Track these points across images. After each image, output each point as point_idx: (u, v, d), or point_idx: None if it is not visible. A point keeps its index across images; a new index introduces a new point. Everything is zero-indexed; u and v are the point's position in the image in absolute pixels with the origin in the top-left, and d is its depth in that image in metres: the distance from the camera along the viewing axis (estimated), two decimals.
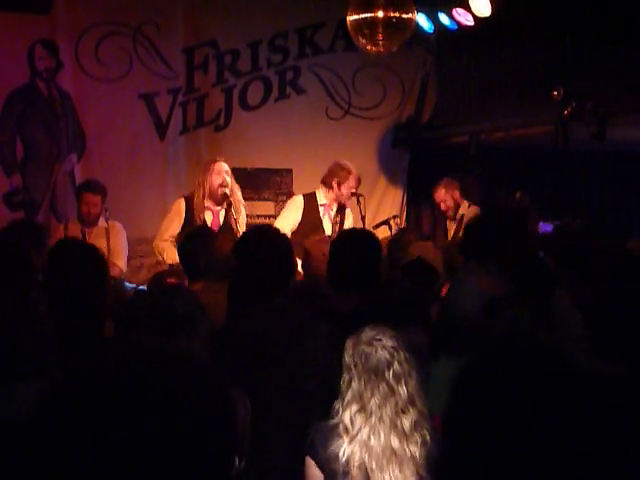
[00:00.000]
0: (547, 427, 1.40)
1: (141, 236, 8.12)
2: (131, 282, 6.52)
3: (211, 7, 8.63)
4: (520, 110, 8.10)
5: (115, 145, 8.36)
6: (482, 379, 1.50)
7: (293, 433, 3.10)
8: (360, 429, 2.77)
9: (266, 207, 8.93)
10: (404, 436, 2.77)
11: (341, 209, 7.29)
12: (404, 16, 6.92)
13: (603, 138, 7.12)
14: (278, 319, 3.68)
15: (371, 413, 2.77)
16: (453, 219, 8.10)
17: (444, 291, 4.91)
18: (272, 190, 8.99)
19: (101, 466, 1.25)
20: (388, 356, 2.80)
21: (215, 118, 8.77)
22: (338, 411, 2.82)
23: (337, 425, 2.83)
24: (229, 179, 6.80)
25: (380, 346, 2.81)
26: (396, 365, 2.80)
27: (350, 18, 6.99)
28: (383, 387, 2.78)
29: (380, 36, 6.92)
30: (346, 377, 2.83)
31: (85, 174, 8.10)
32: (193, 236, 5.18)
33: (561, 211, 8.95)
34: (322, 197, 7.30)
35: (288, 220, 7.14)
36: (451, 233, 8.09)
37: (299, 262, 5.69)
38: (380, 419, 2.77)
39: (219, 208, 6.85)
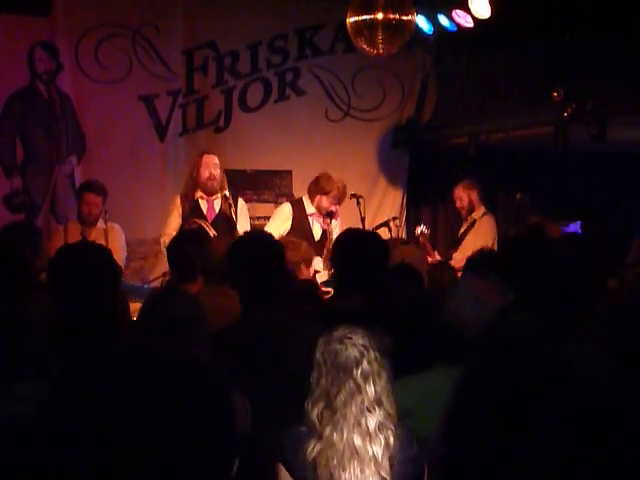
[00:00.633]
0: (547, 429, 1.40)
1: (140, 238, 8.13)
2: (129, 283, 6.52)
3: (210, 8, 8.63)
4: (520, 111, 8.10)
5: (115, 147, 8.36)
6: (483, 381, 1.50)
7: None
8: (325, 427, 2.75)
9: (266, 209, 8.93)
10: (368, 435, 2.74)
11: (329, 215, 7.20)
12: (404, 18, 6.92)
13: (603, 139, 7.12)
14: (277, 320, 3.69)
15: (336, 410, 2.76)
16: (465, 220, 8.04)
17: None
18: (272, 192, 9.00)
19: (100, 466, 1.25)
20: (357, 354, 2.78)
21: (215, 120, 8.78)
22: (307, 410, 2.81)
23: (305, 427, 2.81)
24: (218, 171, 6.96)
25: (350, 344, 2.79)
26: (365, 364, 2.78)
27: (350, 20, 6.99)
28: (350, 385, 2.76)
29: (380, 38, 6.92)
30: (315, 374, 2.81)
31: (85, 176, 8.10)
32: (186, 238, 5.15)
33: (561, 212, 8.95)
34: (309, 205, 7.22)
35: (278, 229, 6.95)
36: (461, 231, 8.01)
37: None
38: (344, 417, 2.75)
39: (214, 197, 6.98)
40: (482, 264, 4.33)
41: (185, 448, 1.27)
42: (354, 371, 2.77)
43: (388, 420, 2.78)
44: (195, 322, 3.23)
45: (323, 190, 7.10)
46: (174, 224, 6.91)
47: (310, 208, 7.20)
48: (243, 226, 6.86)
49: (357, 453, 2.73)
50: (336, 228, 7.12)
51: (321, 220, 7.17)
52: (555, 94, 7.16)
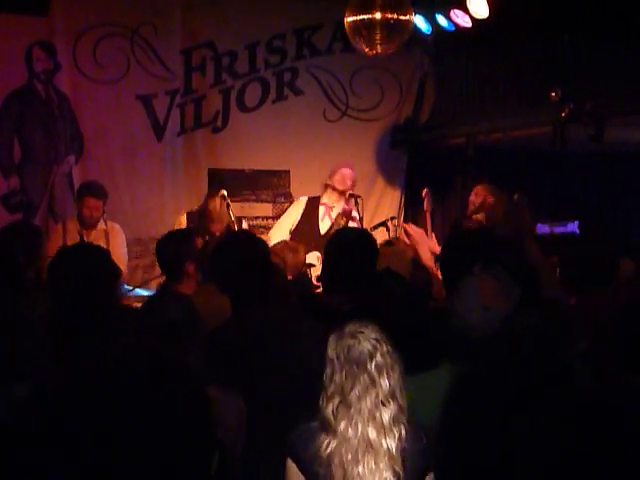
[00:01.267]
0: (547, 428, 1.40)
1: (138, 237, 8.14)
2: (129, 284, 6.52)
3: (209, 8, 8.63)
4: (518, 111, 8.10)
5: (113, 146, 8.36)
6: (484, 381, 1.50)
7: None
8: (340, 422, 2.75)
9: (264, 209, 8.94)
10: (382, 429, 2.74)
11: (345, 216, 7.32)
12: (402, 18, 6.92)
13: (601, 139, 7.12)
14: (275, 319, 3.68)
15: (351, 405, 2.75)
16: (468, 218, 7.98)
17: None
18: (270, 191, 8.99)
19: (81, 464, 1.26)
20: (371, 348, 2.78)
21: (213, 119, 8.77)
22: (321, 406, 2.81)
23: (319, 424, 2.81)
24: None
25: (363, 338, 2.80)
26: (379, 357, 2.78)
27: (348, 19, 6.99)
28: (364, 378, 2.76)
29: (378, 38, 6.92)
30: (329, 371, 2.82)
31: (83, 175, 8.10)
32: (174, 238, 5.05)
33: (559, 212, 8.95)
34: (325, 197, 7.50)
35: (289, 219, 7.44)
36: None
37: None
38: (359, 411, 2.74)
39: None
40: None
41: (159, 447, 1.29)
42: (368, 364, 2.77)
43: (401, 414, 2.78)
44: (186, 325, 3.22)
45: (333, 172, 7.39)
46: None
47: (324, 198, 7.49)
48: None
49: (372, 447, 2.73)
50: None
51: (333, 215, 7.26)
52: (553, 94, 7.16)
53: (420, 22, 7.99)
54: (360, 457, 2.72)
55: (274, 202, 8.94)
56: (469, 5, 7.50)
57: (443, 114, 9.28)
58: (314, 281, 6.28)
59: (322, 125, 9.10)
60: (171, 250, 4.81)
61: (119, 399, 1.29)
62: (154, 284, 6.52)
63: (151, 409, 1.30)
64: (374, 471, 2.72)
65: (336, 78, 9.13)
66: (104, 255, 3.50)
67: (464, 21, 7.70)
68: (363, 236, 4.55)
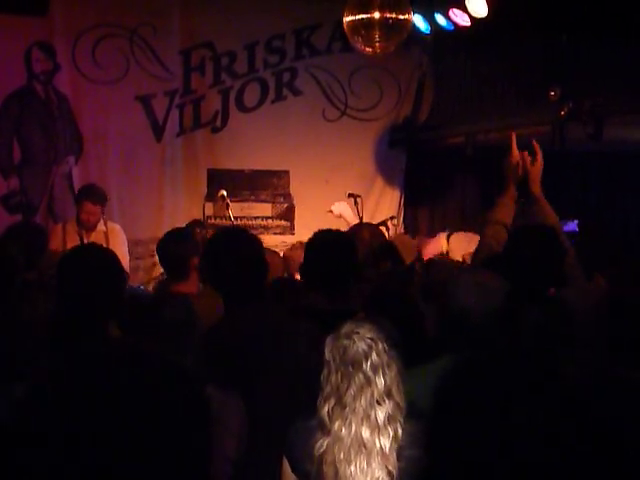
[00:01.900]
0: (547, 424, 1.40)
1: (137, 237, 8.14)
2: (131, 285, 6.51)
3: (208, 9, 8.64)
4: (517, 110, 8.10)
5: (112, 147, 8.37)
6: (484, 370, 1.50)
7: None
8: (334, 422, 2.75)
9: (263, 209, 8.94)
10: (376, 428, 2.73)
11: None
12: (400, 17, 6.91)
13: (600, 138, 7.12)
14: (270, 320, 3.66)
15: (346, 405, 2.75)
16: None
17: None
18: (269, 191, 9.01)
19: (81, 464, 1.26)
20: (366, 347, 2.78)
21: (212, 120, 8.78)
22: (318, 407, 2.81)
23: (315, 423, 2.81)
24: None
25: (358, 338, 2.79)
26: (374, 356, 2.77)
27: (347, 19, 6.98)
28: (359, 378, 2.75)
29: (377, 37, 6.92)
30: (325, 372, 2.81)
31: (82, 176, 8.11)
32: (175, 236, 4.98)
33: (558, 211, 8.94)
34: None
35: None
36: None
37: None
38: (354, 410, 2.74)
39: None
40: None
41: (154, 447, 1.30)
42: (364, 364, 2.76)
43: (397, 412, 2.77)
44: (186, 325, 3.22)
45: None
46: None
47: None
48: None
49: (364, 446, 2.72)
50: None
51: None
52: (552, 93, 7.16)
53: (419, 21, 7.98)
54: (352, 457, 2.71)
55: (273, 202, 8.95)
56: (468, 4, 7.50)
57: (442, 113, 9.28)
58: None
59: (321, 125, 9.11)
60: (173, 248, 4.75)
61: (119, 399, 1.30)
62: (153, 285, 6.53)
63: (151, 409, 1.30)
64: (366, 471, 2.71)
65: (335, 78, 9.14)
66: (112, 257, 3.50)
67: (463, 20, 7.70)
68: (338, 237, 4.50)
